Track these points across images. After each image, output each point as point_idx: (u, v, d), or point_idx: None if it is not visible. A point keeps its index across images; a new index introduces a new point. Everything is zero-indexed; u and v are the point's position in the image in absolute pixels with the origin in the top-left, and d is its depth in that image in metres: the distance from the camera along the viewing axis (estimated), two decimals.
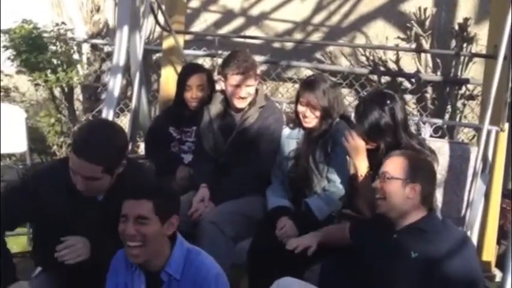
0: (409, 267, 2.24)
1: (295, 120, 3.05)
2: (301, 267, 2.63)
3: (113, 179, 2.31)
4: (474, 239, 2.96)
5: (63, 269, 2.30)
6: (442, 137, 3.77)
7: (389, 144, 2.65)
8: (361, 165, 2.70)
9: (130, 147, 3.97)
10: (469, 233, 2.90)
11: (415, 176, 2.31)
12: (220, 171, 3.12)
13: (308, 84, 2.98)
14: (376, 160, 2.65)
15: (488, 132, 3.05)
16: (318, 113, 2.92)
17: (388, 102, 2.66)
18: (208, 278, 2.08)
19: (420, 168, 2.34)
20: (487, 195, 3.09)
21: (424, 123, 3.55)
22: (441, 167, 2.94)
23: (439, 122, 3.69)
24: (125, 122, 5.14)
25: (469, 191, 2.98)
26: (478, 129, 3.61)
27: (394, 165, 2.33)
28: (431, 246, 2.24)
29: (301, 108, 2.95)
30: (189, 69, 3.53)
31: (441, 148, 3.02)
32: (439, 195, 2.93)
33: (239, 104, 3.11)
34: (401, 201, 2.30)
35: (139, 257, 2.07)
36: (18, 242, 3.88)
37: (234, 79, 3.06)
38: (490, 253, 3.19)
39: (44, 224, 2.39)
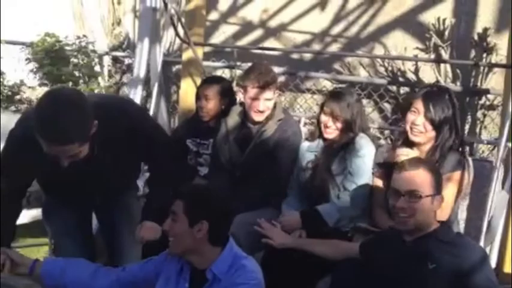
0: (427, 279, 2.21)
1: (315, 133, 3.06)
2: (314, 279, 2.62)
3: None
4: (494, 255, 2.92)
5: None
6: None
7: (447, 139, 2.72)
8: None
9: None
10: (488, 249, 2.86)
11: (439, 187, 2.29)
12: (236, 183, 3.10)
13: (334, 95, 3.02)
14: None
15: (508, 148, 3.00)
16: (339, 125, 2.93)
17: (450, 96, 2.75)
18: (249, 284, 2.13)
19: (439, 178, 2.32)
20: (508, 208, 3.05)
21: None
22: None
23: None
24: None
25: (489, 207, 2.91)
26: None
27: (422, 181, 2.26)
28: (449, 258, 2.20)
29: (323, 118, 2.97)
30: (204, 81, 3.58)
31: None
32: (459, 211, 2.89)
33: (256, 117, 3.13)
34: (429, 215, 2.27)
35: (172, 250, 2.19)
36: (41, 251, 3.93)
37: (253, 92, 3.08)
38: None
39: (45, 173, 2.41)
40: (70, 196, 2.57)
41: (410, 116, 2.76)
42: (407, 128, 2.77)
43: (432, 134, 2.74)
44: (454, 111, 2.73)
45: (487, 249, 2.85)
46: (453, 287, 2.17)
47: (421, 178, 2.26)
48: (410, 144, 2.80)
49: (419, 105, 2.74)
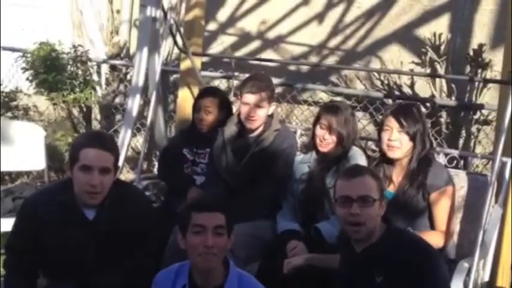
0: None
1: (309, 145, 3.07)
2: None
3: (108, 188, 2.42)
4: (488, 269, 2.93)
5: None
6: (456, 163, 3.76)
7: (421, 150, 2.78)
8: None
9: (145, 166, 4.01)
10: (481, 263, 2.87)
11: (383, 192, 2.29)
12: (232, 192, 3.12)
13: (331, 108, 3.02)
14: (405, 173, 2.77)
15: (502, 164, 3.01)
16: (335, 138, 2.94)
17: (418, 110, 2.85)
18: None
19: (382, 183, 2.34)
20: (502, 222, 3.06)
21: (438, 153, 3.52)
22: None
23: (452, 152, 3.70)
24: (141, 141, 5.19)
25: (483, 221, 2.90)
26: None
27: (371, 186, 2.25)
28: (392, 265, 2.17)
29: (320, 131, 2.97)
30: (202, 92, 3.60)
31: (453, 178, 3.00)
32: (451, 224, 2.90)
33: (248, 124, 3.14)
34: (376, 222, 2.24)
35: (212, 265, 2.15)
36: None
37: (247, 98, 3.11)
38: (504, 279, 3.16)
39: (46, 246, 2.47)
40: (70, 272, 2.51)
41: (384, 135, 2.82)
42: (384, 147, 2.82)
43: (408, 147, 2.79)
44: (423, 124, 2.81)
45: (481, 263, 2.86)
46: None
47: (370, 183, 2.26)
48: (389, 161, 2.86)
49: (390, 122, 2.80)
